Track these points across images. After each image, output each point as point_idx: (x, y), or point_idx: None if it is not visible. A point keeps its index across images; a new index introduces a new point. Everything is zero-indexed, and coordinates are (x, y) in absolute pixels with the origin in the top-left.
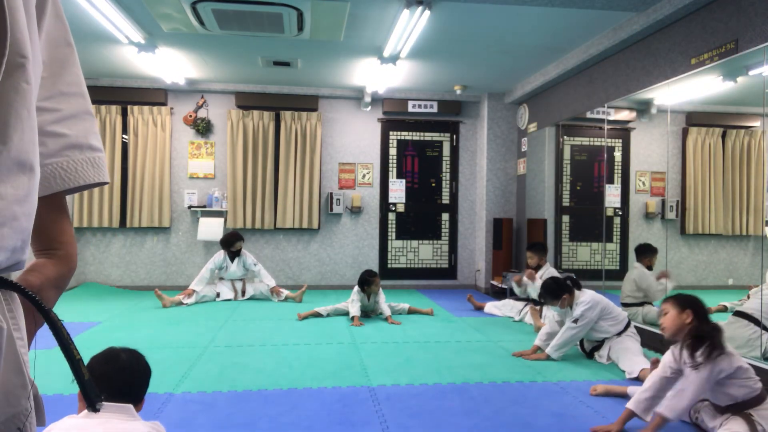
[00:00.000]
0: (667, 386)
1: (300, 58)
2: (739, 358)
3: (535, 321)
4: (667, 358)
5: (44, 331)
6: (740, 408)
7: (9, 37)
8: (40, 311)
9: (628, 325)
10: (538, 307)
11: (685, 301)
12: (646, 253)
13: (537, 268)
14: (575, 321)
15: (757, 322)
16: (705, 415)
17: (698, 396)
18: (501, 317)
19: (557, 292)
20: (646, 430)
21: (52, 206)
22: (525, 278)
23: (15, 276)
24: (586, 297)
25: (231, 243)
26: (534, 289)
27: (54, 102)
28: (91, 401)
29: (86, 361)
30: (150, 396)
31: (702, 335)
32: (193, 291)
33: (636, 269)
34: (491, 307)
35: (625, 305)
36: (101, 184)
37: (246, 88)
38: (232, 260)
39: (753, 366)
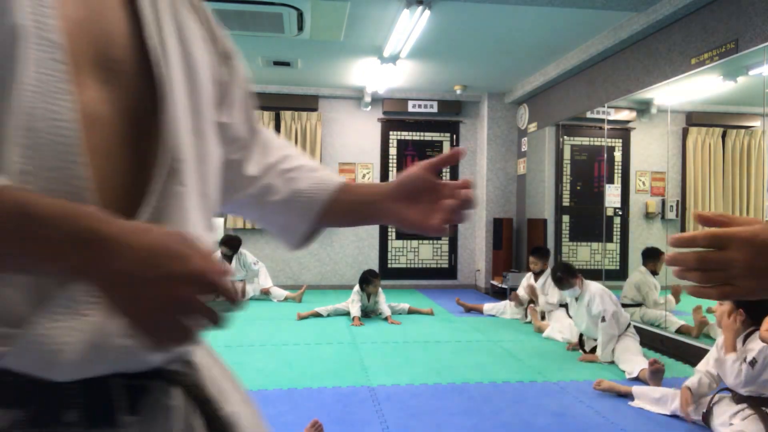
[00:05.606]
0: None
1: (300, 58)
2: None
3: (535, 321)
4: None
5: None
6: (760, 403)
7: (167, 150)
8: (203, 414)
9: (628, 326)
10: (537, 308)
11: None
12: (653, 257)
13: (540, 272)
14: (602, 319)
15: None
16: (718, 409)
17: None
18: (501, 318)
19: (571, 275)
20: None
21: None
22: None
23: None
24: (594, 288)
25: (236, 247)
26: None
27: (282, 153)
28: None
29: None
30: None
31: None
32: None
33: (640, 274)
34: (491, 309)
35: (624, 306)
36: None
37: None
38: (230, 261)
39: None
